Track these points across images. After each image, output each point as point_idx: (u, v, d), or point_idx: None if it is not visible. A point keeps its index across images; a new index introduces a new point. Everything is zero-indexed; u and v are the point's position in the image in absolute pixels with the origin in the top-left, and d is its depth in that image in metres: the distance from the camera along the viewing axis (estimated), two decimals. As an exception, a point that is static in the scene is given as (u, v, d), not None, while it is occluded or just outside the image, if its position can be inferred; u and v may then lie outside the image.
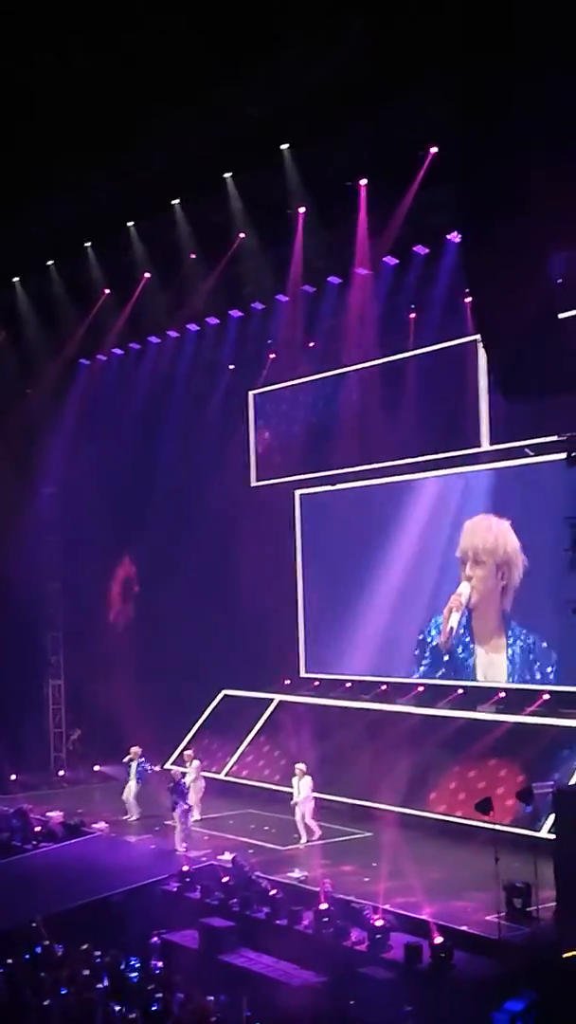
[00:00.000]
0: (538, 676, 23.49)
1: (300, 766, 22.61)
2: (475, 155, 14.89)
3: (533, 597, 23.61)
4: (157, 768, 25.42)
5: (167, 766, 23.16)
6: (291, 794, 22.37)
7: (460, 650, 25.22)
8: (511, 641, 24.18)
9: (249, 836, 22.50)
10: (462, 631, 25.09)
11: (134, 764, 24.84)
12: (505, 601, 24.29)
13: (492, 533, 24.53)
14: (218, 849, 21.52)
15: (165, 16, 16.82)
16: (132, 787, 24.78)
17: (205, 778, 24.44)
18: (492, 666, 24.57)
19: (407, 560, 26.28)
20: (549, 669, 23.35)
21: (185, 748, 26.36)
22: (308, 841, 21.83)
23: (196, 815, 22.84)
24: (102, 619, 30.71)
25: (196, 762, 24.27)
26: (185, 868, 20.03)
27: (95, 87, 18.52)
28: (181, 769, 24.02)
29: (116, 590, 32.04)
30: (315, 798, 22.25)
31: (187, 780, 22.99)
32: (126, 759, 25.02)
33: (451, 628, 25.16)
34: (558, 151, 14.44)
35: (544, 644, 23.42)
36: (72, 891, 19.97)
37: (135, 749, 24.94)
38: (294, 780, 22.46)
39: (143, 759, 24.89)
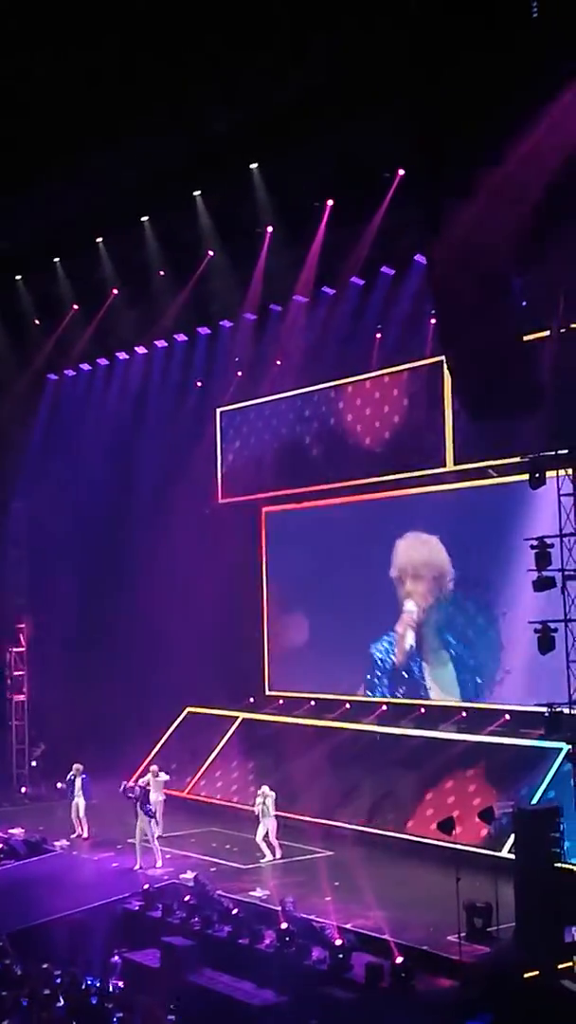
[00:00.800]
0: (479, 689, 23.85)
1: (264, 788, 22.49)
2: (435, 176, 15.03)
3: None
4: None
5: (132, 782, 22.87)
6: (254, 812, 22.26)
7: (415, 667, 25.38)
8: (453, 655, 24.45)
9: (211, 854, 22.43)
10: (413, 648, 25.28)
11: (77, 780, 24.49)
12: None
13: (425, 548, 24.92)
14: (180, 867, 21.46)
15: (134, 31, 16.88)
16: (79, 804, 24.47)
17: (167, 795, 24.32)
18: (440, 681, 24.76)
19: (368, 578, 26.35)
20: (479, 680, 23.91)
21: (151, 762, 26.10)
22: (272, 860, 21.74)
23: (158, 830, 22.66)
24: (66, 635, 30.54)
25: (164, 776, 24.12)
26: (147, 887, 19.95)
27: (62, 101, 18.55)
28: (142, 781, 23.60)
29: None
30: (276, 816, 22.19)
31: (152, 794, 22.78)
32: (69, 776, 24.70)
33: (408, 646, 25.30)
34: (523, 174, 14.59)
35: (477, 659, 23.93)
36: (33, 909, 19.83)
37: (77, 766, 24.63)
38: (258, 799, 22.34)
39: (84, 775, 24.54)
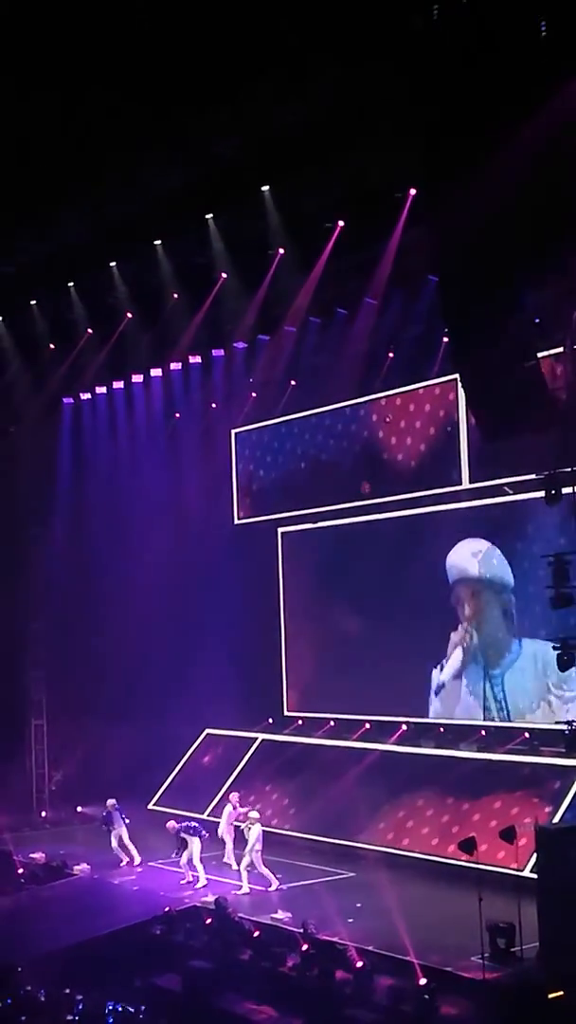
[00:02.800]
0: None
1: (253, 814, 22.09)
2: (446, 198, 15.07)
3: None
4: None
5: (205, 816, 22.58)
6: (278, 835, 21.99)
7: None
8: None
9: (232, 877, 22.35)
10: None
11: (114, 814, 24.19)
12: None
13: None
14: (201, 890, 21.40)
15: (143, 57, 16.98)
16: (122, 833, 24.12)
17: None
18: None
19: (390, 596, 26.30)
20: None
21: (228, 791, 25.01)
22: (269, 887, 21.29)
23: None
24: (84, 657, 30.58)
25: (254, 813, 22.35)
26: (168, 910, 19.90)
27: (75, 127, 18.67)
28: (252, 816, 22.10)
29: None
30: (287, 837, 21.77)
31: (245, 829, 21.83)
32: (104, 813, 24.41)
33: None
34: (531, 192, 14.64)
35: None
36: (54, 934, 19.80)
37: (111, 801, 24.31)
38: (244, 826, 21.82)
39: (118, 808, 24.27)
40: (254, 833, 21.43)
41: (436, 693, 25.32)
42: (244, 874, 21.49)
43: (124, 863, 24.06)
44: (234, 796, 23.42)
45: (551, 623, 20.52)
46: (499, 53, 14.40)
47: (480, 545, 24.62)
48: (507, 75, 14.34)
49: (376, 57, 16.41)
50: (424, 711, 25.51)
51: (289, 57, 16.78)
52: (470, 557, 24.80)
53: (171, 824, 22.59)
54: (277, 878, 21.44)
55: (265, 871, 21.50)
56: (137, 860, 24.02)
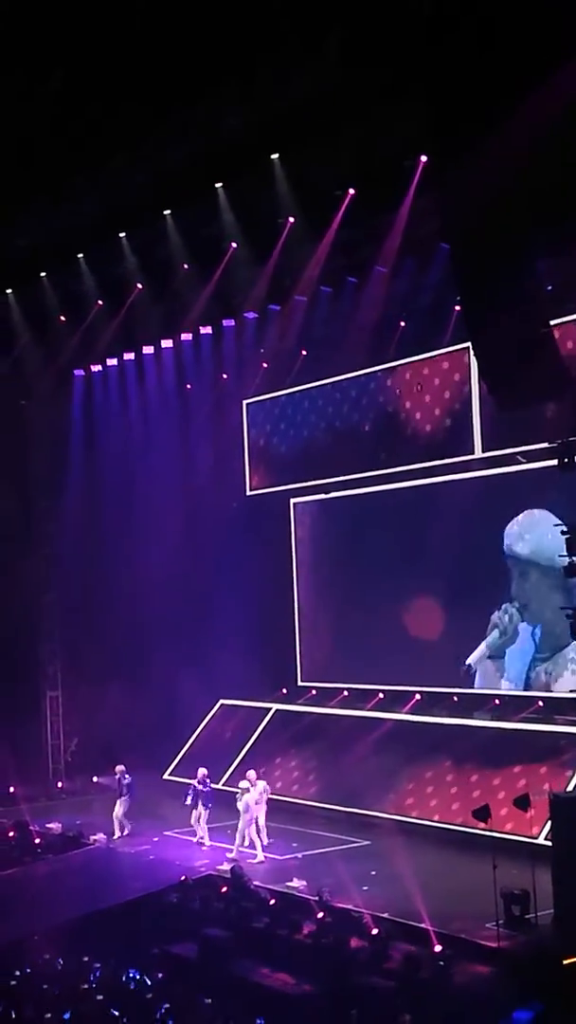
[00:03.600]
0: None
1: (250, 774, 22.42)
2: (458, 164, 14.94)
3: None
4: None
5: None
6: (292, 804, 22.06)
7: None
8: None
9: (249, 845, 22.45)
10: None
11: (123, 780, 24.33)
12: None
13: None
14: (217, 859, 21.52)
15: (150, 28, 16.86)
16: (121, 804, 24.33)
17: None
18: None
19: (402, 567, 26.29)
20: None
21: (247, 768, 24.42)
22: (254, 859, 21.41)
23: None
24: (98, 629, 30.68)
25: (261, 783, 22.62)
26: (183, 878, 20.03)
27: (83, 99, 18.56)
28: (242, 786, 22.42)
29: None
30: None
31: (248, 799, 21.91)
32: (116, 777, 24.59)
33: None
34: (543, 158, 14.51)
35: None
36: (71, 903, 19.96)
37: (119, 767, 24.54)
38: (241, 788, 22.07)
39: (127, 776, 24.40)
40: (245, 802, 21.73)
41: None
42: (257, 843, 21.61)
43: (117, 835, 24.13)
44: (251, 774, 23.01)
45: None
46: (511, 16, 14.23)
47: (542, 517, 23.86)
48: (519, 37, 14.16)
49: (385, 24, 16.25)
50: (437, 680, 25.52)
51: (297, 26, 16.62)
52: (529, 531, 24.22)
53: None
54: (293, 846, 21.56)
55: (257, 840, 21.65)
56: (116, 835, 24.06)
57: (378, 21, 16.22)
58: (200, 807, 22.99)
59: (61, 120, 18.94)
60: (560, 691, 23.01)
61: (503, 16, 14.21)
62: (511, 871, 16.95)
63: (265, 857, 21.42)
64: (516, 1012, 13.54)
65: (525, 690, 23.98)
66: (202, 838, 22.91)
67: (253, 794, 21.74)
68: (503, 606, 24.53)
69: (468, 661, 25.08)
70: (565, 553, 17.56)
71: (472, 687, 25.06)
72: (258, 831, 21.73)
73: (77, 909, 19.46)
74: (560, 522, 22.38)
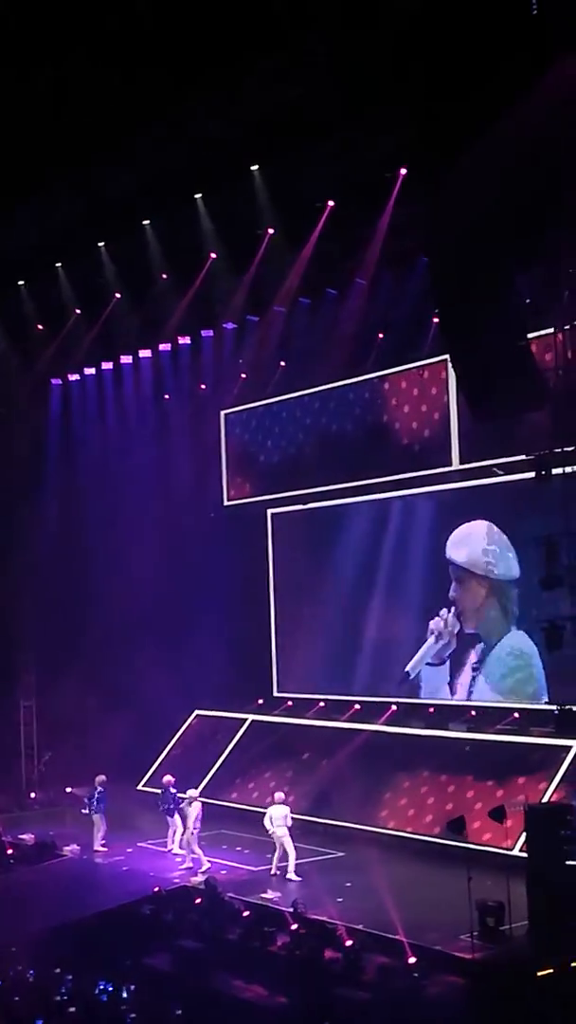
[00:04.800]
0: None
1: (192, 791, 22.43)
2: (438, 178, 15.01)
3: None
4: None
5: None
6: (261, 814, 21.98)
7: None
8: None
9: (222, 856, 22.39)
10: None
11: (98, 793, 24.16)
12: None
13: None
14: (191, 870, 21.44)
15: (133, 37, 16.88)
16: (102, 818, 24.07)
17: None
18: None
19: (380, 578, 26.32)
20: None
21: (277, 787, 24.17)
22: (200, 869, 21.35)
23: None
24: (73, 638, 30.54)
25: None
26: (158, 890, 19.94)
27: (64, 108, 18.56)
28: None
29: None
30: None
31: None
32: (96, 788, 24.31)
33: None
34: (522, 172, 14.59)
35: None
36: (44, 914, 19.80)
37: (100, 778, 24.29)
38: (184, 805, 22.03)
39: (101, 788, 24.11)
40: (193, 812, 21.63)
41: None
42: (190, 854, 21.62)
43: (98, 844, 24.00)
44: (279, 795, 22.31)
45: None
46: (490, 32, 14.32)
47: (479, 528, 24.37)
48: (498, 55, 14.26)
49: (368, 37, 16.32)
50: (414, 692, 25.53)
51: (281, 37, 16.68)
52: (466, 541, 24.61)
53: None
54: (267, 857, 21.50)
55: (199, 852, 21.55)
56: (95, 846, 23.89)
57: (361, 35, 16.29)
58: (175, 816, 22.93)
59: (40, 127, 18.94)
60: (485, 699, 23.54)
61: (484, 33, 14.31)
62: (486, 883, 16.93)
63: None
64: None
65: (467, 698, 24.28)
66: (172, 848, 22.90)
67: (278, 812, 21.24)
68: (441, 611, 24.72)
69: (407, 668, 25.30)
70: (542, 565, 17.64)
71: (419, 696, 25.29)
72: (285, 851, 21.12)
73: (49, 920, 19.31)
74: (488, 542, 23.80)
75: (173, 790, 23.13)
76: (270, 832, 21.07)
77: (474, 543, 24.30)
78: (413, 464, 25.22)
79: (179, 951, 17.64)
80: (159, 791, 23.73)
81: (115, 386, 29.84)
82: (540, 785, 20.97)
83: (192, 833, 21.66)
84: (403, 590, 25.76)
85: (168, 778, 23.67)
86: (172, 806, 22.96)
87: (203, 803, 22.45)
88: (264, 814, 21.53)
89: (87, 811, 24.12)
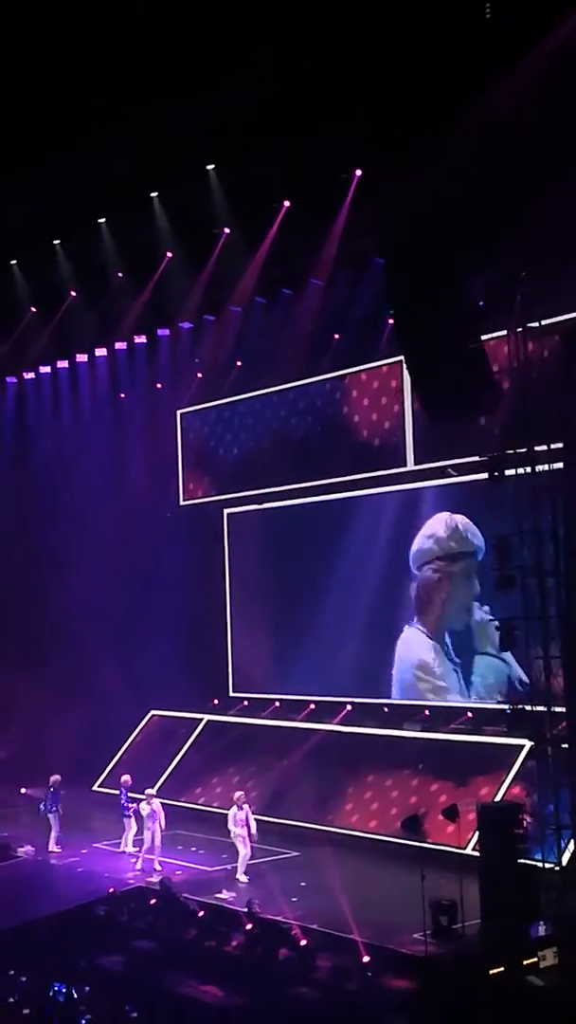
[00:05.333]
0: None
1: (149, 790, 22.48)
2: (392, 180, 15.09)
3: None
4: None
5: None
6: (222, 816, 21.94)
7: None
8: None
9: (177, 857, 22.37)
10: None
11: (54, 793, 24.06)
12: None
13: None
14: (146, 870, 21.41)
15: (89, 37, 16.84)
16: (55, 819, 23.96)
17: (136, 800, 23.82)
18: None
19: (335, 578, 26.40)
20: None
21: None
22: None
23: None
24: (26, 640, 30.39)
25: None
26: (112, 891, 19.89)
27: (19, 106, 18.48)
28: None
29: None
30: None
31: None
32: (50, 788, 24.25)
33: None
34: (475, 175, 14.70)
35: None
36: (-2, 915, 19.74)
37: (55, 778, 24.20)
38: (144, 804, 21.98)
39: (53, 789, 23.99)
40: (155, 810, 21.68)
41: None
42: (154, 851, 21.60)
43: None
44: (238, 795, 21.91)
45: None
46: (445, 33, 14.42)
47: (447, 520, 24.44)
48: (452, 57, 14.37)
49: (323, 38, 16.37)
50: (368, 692, 25.63)
51: (236, 37, 16.70)
52: (435, 534, 24.67)
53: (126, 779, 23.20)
54: (222, 857, 21.52)
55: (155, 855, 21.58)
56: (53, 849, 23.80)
57: (316, 37, 16.33)
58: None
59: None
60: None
61: (436, 38, 14.41)
62: (439, 881, 17.03)
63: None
64: None
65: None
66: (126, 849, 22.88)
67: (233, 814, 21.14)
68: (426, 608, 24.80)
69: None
70: (495, 566, 17.76)
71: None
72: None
73: (3, 921, 19.21)
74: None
75: (126, 791, 23.09)
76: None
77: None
78: (368, 464, 25.31)
79: (134, 952, 17.59)
80: (117, 792, 23.63)
81: (71, 385, 29.76)
82: (494, 784, 21.11)
83: (157, 832, 21.61)
84: (358, 589, 25.82)
85: (126, 778, 23.61)
86: (127, 806, 22.91)
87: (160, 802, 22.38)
88: (224, 815, 21.52)
89: (43, 811, 24.02)
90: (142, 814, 21.91)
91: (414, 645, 24.82)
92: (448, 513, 24.22)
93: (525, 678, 19.82)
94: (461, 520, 23.87)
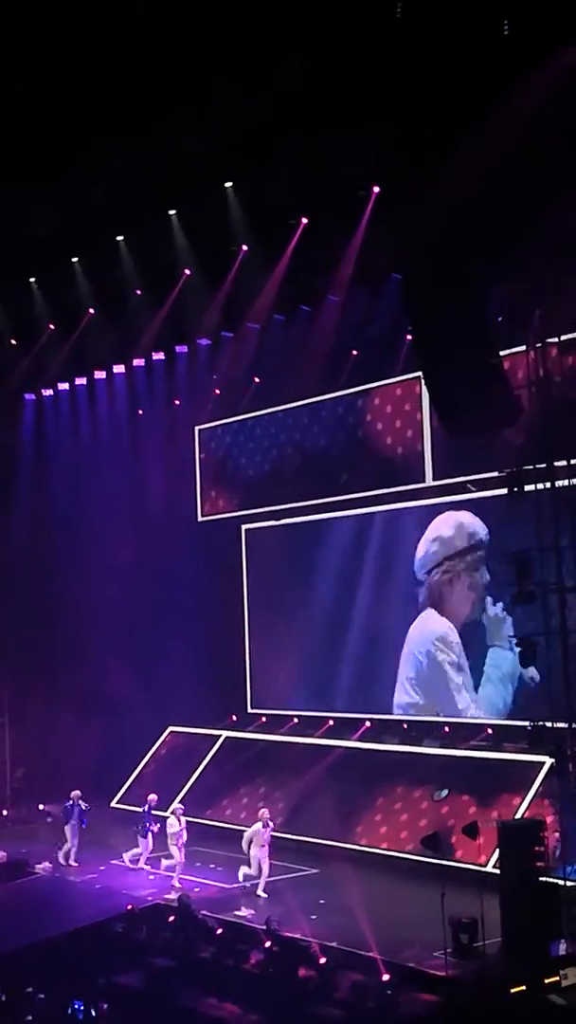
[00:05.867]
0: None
1: (178, 806, 22.50)
2: (410, 196, 15.10)
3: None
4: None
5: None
6: (240, 831, 21.93)
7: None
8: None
9: (195, 874, 22.31)
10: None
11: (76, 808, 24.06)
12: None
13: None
14: (164, 887, 21.34)
15: (106, 53, 16.91)
16: (72, 831, 24.00)
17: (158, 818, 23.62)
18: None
19: (353, 593, 26.37)
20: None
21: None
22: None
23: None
24: (45, 655, 30.41)
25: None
26: (130, 907, 19.84)
27: (37, 123, 18.55)
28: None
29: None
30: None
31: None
32: (70, 803, 24.24)
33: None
34: (494, 190, 14.70)
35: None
36: (16, 932, 19.68)
37: (75, 793, 24.25)
38: (172, 820, 21.98)
39: (74, 803, 23.96)
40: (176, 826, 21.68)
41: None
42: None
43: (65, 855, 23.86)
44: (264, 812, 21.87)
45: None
46: (462, 51, 14.44)
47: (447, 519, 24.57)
48: (471, 73, 14.38)
49: (341, 56, 16.41)
50: (387, 708, 25.54)
51: (255, 54, 16.75)
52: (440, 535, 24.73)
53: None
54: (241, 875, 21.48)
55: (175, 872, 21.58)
56: (67, 863, 23.83)
57: (336, 53, 16.37)
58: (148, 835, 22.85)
59: (14, 141, 18.92)
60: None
61: (455, 50, 14.43)
62: (459, 899, 16.92)
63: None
64: None
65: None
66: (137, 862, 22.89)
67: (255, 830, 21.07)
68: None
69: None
70: (514, 582, 17.71)
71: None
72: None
73: (21, 939, 19.18)
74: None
75: (151, 810, 23.11)
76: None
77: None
78: (386, 480, 25.28)
79: (152, 969, 17.51)
80: (136, 808, 23.49)
81: (89, 402, 29.82)
82: (514, 801, 21.00)
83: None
84: (377, 605, 25.78)
85: (152, 797, 23.59)
86: (148, 825, 22.87)
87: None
88: (240, 829, 21.48)
89: (73, 823, 23.95)
90: (168, 831, 21.76)
91: (431, 620, 24.74)
92: (447, 512, 24.28)
93: (537, 675, 19.86)
94: (463, 516, 23.97)
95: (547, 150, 15.33)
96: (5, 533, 30.78)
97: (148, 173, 20.72)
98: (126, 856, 23.13)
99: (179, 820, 21.99)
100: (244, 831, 21.38)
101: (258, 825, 21.05)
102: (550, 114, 14.82)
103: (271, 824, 21.20)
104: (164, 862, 22.29)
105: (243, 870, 21.04)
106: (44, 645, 30.62)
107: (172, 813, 22.21)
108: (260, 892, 20.58)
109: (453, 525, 24.28)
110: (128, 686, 28.62)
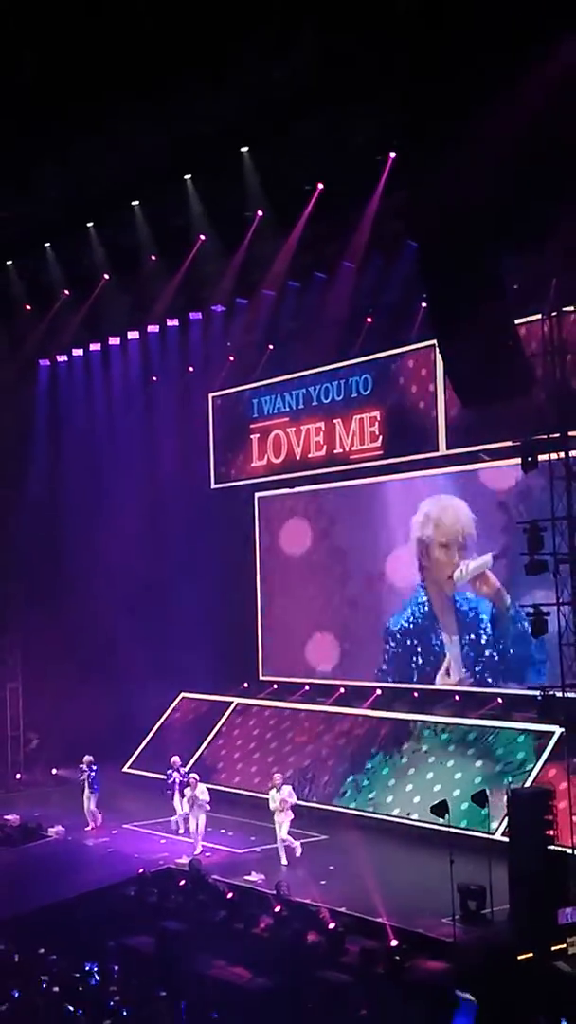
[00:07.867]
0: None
1: (194, 775, 22.49)
2: (426, 164, 15.01)
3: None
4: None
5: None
6: (251, 798, 21.99)
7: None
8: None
9: (206, 839, 22.43)
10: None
11: (86, 773, 24.23)
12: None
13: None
14: (175, 852, 21.51)
15: (123, 17, 16.79)
16: (89, 797, 24.21)
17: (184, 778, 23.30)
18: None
19: (366, 562, 26.41)
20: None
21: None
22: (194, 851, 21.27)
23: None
24: (59, 621, 30.51)
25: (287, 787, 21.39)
26: (142, 871, 20.00)
27: (52, 88, 18.45)
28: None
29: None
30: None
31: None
32: (83, 768, 24.33)
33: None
34: (510, 158, 14.59)
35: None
36: (29, 895, 19.89)
37: (87, 758, 24.43)
38: (188, 790, 21.95)
39: (92, 767, 24.14)
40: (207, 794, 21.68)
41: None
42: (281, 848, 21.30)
43: (88, 827, 24.00)
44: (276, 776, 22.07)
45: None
46: (481, 17, 14.30)
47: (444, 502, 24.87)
48: (489, 38, 14.25)
49: (358, 22, 16.27)
50: (398, 676, 25.62)
51: (271, 20, 16.61)
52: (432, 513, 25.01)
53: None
54: (252, 840, 21.61)
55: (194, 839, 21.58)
56: (90, 827, 23.90)
57: (353, 19, 16.23)
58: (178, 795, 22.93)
59: (30, 108, 18.83)
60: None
61: (474, 22, 14.29)
62: (468, 866, 17.02)
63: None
64: (455, 1019, 13.52)
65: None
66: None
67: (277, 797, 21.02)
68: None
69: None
70: (526, 551, 17.72)
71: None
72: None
73: (34, 902, 19.39)
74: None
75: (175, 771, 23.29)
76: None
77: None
78: (400, 449, 25.21)
79: (163, 932, 17.68)
80: (152, 774, 23.53)
81: (103, 368, 29.76)
82: (523, 769, 21.06)
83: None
84: (389, 574, 25.81)
85: (175, 759, 23.83)
86: (177, 785, 23.00)
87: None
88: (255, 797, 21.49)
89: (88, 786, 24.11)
90: (199, 798, 21.68)
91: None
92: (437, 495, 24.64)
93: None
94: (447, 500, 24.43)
95: (567, 118, 15.18)
96: (19, 498, 30.83)
97: (164, 139, 20.59)
98: (177, 826, 22.93)
99: (195, 788, 21.94)
100: (255, 796, 21.43)
101: (272, 790, 21.10)
102: (572, 80, 14.67)
103: (284, 787, 21.18)
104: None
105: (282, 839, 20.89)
106: (56, 612, 30.69)
107: (192, 783, 22.12)
108: (283, 858, 20.67)
109: (441, 507, 24.60)
110: (141, 652, 28.72)
